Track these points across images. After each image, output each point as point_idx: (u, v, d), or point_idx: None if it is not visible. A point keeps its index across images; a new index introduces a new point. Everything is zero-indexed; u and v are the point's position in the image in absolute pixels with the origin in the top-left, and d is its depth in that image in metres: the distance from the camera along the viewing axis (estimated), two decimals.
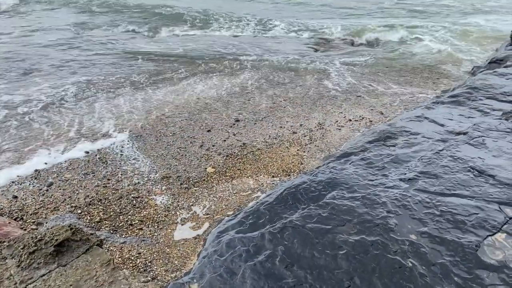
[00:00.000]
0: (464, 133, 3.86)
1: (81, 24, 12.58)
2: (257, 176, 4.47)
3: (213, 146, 5.13)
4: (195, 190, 4.24)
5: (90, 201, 4.00)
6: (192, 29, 12.19)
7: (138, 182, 4.35)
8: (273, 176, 4.46)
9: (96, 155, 4.87)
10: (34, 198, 4.05)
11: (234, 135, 5.43)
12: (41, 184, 4.28)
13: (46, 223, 3.68)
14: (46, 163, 4.66)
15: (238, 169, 4.61)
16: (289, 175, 4.48)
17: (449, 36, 11.00)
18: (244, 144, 5.19)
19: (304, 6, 15.77)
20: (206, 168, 4.63)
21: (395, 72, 8.15)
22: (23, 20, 13.20)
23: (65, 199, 4.03)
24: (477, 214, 2.73)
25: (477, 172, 3.20)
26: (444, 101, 4.88)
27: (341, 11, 15.00)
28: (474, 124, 4.01)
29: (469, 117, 4.25)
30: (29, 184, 4.28)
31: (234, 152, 4.98)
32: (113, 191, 4.19)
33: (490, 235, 2.55)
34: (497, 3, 15.96)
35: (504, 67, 5.92)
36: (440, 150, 3.60)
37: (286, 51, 9.77)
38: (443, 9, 15.41)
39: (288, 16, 13.94)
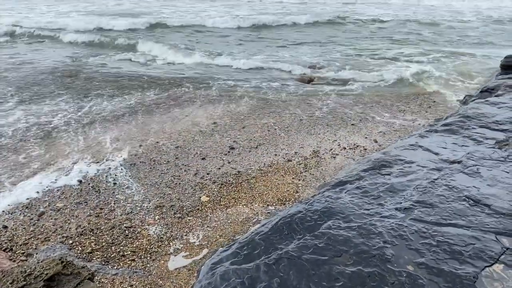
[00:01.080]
0: (459, 162, 3.87)
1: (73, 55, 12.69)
2: (252, 205, 4.44)
3: (207, 174, 5.10)
4: (189, 219, 4.18)
5: (82, 231, 3.93)
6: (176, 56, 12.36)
7: (131, 211, 4.30)
8: (268, 205, 4.43)
9: (89, 184, 4.82)
10: (24, 228, 3.97)
11: (229, 163, 5.41)
12: (32, 214, 4.21)
13: (36, 254, 3.60)
14: (38, 192, 4.60)
15: (232, 198, 4.58)
16: (284, 203, 4.45)
17: (439, 65, 11.20)
18: (239, 172, 5.16)
19: (283, 41, 16.05)
20: (200, 197, 4.59)
21: (387, 101, 8.23)
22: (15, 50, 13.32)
23: (56, 229, 3.96)
24: (474, 244, 2.70)
25: (472, 202, 3.19)
26: (438, 129, 4.91)
27: (322, 42, 15.27)
28: (468, 153, 4.03)
29: (463, 145, 4.27)
30: (20, 213, 4.21)
31: (229, 180, 4.95)
32: (106, 221, 4.12)
33: (487, 266, 2.52)
34: (478, 36, 16.33)
35: (495, 96, 6.00)
36: (435, 179, 3.60)
37: (278, 81, 9.88)
38: (428, 39, 15.74)
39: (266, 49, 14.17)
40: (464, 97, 7.95)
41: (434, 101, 8.17)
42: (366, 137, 6.23)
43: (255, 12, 22.32)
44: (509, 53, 9.10)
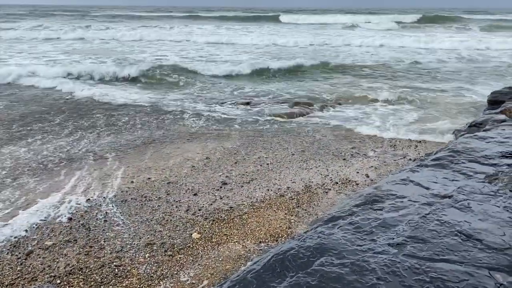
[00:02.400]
0: (449, 197, 3.88)
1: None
2: (244, 242, 4.38)
3: (199, 210, 5.06)
4: (180, 257, 4.11)
5: (71, 270, 3.85)
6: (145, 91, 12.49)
7: (121, 249, 4.22)
8: (260, 242, 4.38)
9: (79, 221, 4.75)
10: (11, 267, 3.88)
11: (221, 198, 5.38)
12: (20, 253, 4.12)
13: None
14: (26, 230, 4.52)
15: (224, 235, 4.52)
16: (277, 240, 4.41)
17: (423, 103, 11.38)
18: (231, 207, 5.13)
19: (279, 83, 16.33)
20: (191, 234, 4.53)
21: (378, 136, 8.32)
22: None
23: (44, 268, 3.87)
24: (468, 280, 2.68)
25: (464, 237, 3.18)
26: (428, 164, 4.95)
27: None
28: (459, 187, 4.05)
29: (453, 180, 4.30)
30: (7, 252, 4.12)
31: (221, 217, 4.91)
32: (95, 259, 4.04)
33: None
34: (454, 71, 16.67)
35: (484, 130, 6.10)
36: (427, 214, 3.60)
37: (270, 115, 9.97)
38: (412, 74, 16.06)
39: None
40: (453, 132, 8.07)
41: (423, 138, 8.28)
42: (357, 172, 6.25)
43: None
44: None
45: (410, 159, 6.78)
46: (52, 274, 3.79)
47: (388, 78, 14.97)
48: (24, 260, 4.00)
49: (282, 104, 10.93)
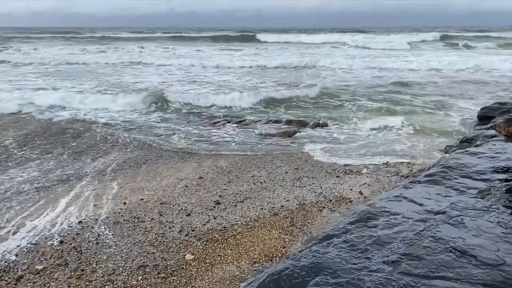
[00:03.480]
0: (443, 213, 3.88)
1: None
2: (239, 262, 4.33)
3: (192, 231, 5.01)
4: (173, 279, 4.05)
5: None
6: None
7: (113, 272, 4.15)
8: (254, 262, 4.33)
9: (70, 244, 4.68)
10: None
11: (215, 218, 5.34)
12: (9, 278, 4.03)
13: None
14: (17, 255, 4.44)
15: (218, 255, 4.47)
16: (271, 259, 4.36)
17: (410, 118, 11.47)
18: (224, 227, 5.09)
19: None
20: (185, 255, 4.47)
21: (367, 150, 8.36)
22: None
23: None
24: None
25: (459, 253, 3.17)
26: (421, 180, 4.97)
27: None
28: (452, 203, 4.06)
29: (446, 196, 4.31)
30: None
31: (215, 237, 4.86)
32: (87, 283, 3.97)
33: None
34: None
35: (475, 146, 6.15)
36: (421, 231, 3.59)
37: (263, 134, 10.00)
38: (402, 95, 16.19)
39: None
40: (445, 148, 8.12)
41: (413, 150, 8.32)
42: (351, 189, 6.25)
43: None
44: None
45: (402, 176, 6.80)
46: None
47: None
48: (14, 285, 3.91)
49: (274, 124, 10.96)
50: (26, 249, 4.56)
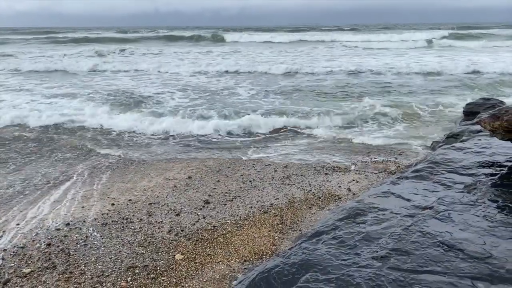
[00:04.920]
0: (430, 208, 3.92)
1: None
2: (229, 261, 4.33)
3: (182, 230, 4.99)
4: (163, 280, 4.03)
5: None
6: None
7: (102, 273, 4.11)
8: (245, 260, 4.33)
9: (58, 246, 4.62)
10: None
11: (204, 217, 5.33)
12: None
13: None
14: (3, 258, 4.38)
15: (208, 255, 4.46)
16: (261, 258, 4.36)
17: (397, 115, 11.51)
18: (214, 227, 5.08)
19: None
20: (174, 255, 4.45)
21: (356, 148, 8.41)
22: None
23: None
24: None
25: (446, 247, 3.21)
26: (408, 176, 5.01)
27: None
28: (439, 198, 4.11)
29: (434, 191, 4.36)
30: None
31: (204, 236, 4.85)
32: (75, 285, 3.93)
33: None
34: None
35: (461, 141, 6.23)
36: (409, 226, 3.63)
37: (252, 132, 10.00)
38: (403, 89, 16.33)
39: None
40: (432, 143, 8.21)
41: (403, 149, 8.40)
42: (339, 186, 6.28)
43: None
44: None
45: (391, 172, 6.85)
46: None
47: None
48: None
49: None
50: (13, 252, 4.49)
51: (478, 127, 6.34)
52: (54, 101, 13.77)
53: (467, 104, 9.39)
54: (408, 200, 4.26)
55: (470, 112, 8.86)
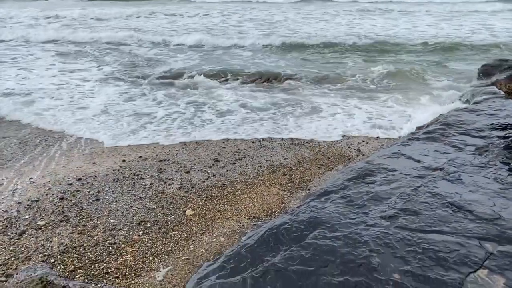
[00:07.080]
0: (441, 169, 3.92)
1: None
2: (238, 218, 4.41)
3: (192, 187, 5.06)
4: (174, 234, 4.13)
5: (64, 249, 3.85)
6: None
7: (114, 227, 4.22)
8: (254, 217, 4.40)
9: (71, 200, 4.73)
10: (4, 247, 3.87)
11: (214, 175, 5.38)
12: (12, 233, 4.10)
13: (17, 274, 3.50)
14: (18, 211, 4.50)
15: (218, 211, 4.54)
16: (270, 215, 4.44)
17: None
18: (224, 184, 5.14)
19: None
20: (185, 211, 4.54)
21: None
22: None
23: (37, 248, 3.86)
24: (458, 250, 2.73)
25: (455, 208, 3.23)
26: (419, 137, 4.98)
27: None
28: (450, 160, 4.09)
29: (444, 152, 4.34)
30: (0, 233, 4.10)
31: (214, 193, 4.92)
32: (89, 238, 4.04)
33: (472, 272, 2.55)
34: None
35: (474, 103, 6.13)
36: (418, 187, 3.64)
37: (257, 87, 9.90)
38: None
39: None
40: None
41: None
42: (349, 147, 6.27)
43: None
44: None
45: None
46: (45, 253, 3.79)
47: None
48: (17, 240, 3.99)
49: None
50: (27, 205, 4.61)
51: (493, 88, 6.22)
52: None
53: (482, 65, 9.16)
54: (418, 161, 4.25)
55: (484, 73, 8.66)
